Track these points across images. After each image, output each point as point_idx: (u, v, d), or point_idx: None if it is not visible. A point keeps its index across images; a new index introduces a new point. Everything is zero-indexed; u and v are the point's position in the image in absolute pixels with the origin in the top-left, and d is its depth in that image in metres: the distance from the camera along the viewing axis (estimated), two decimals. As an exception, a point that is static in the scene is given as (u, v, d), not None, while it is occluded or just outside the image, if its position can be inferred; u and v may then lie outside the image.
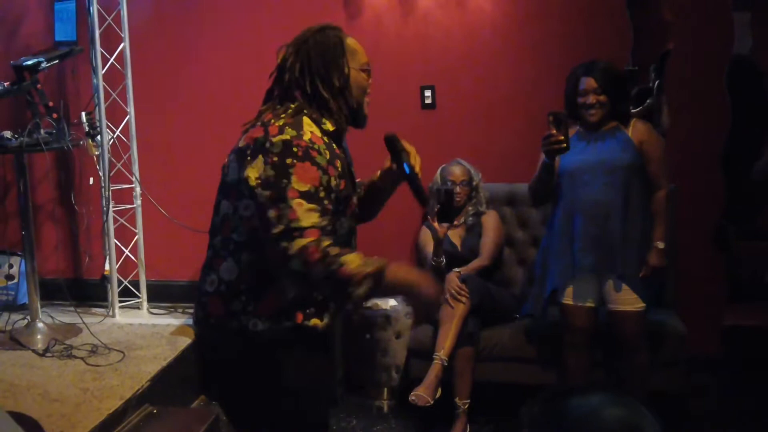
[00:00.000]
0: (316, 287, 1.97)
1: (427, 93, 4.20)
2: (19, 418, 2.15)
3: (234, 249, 2.01)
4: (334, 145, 2.02)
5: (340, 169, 2.00)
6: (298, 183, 1.88)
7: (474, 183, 3.85)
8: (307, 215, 1.87)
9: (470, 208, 3.86)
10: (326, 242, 1.87)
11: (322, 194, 1.92)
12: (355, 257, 1.89)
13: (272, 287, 1.99)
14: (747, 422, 3.46)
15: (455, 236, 3.83)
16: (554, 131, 2.96)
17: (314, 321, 2.04)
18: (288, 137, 1.92)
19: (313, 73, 2.03)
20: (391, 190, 2.24)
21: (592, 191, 3.18)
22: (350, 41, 2.10)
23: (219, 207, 2.06)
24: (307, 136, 1.94)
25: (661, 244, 3.18)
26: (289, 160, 1.89)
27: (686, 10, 3.88)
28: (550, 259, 3.32)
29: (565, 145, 2.97)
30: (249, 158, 1.94)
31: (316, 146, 1.94)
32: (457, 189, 3.76)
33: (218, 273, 2.03)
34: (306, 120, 1.98)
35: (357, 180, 2.19)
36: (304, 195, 1.88)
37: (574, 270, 3.22)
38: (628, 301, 3.18)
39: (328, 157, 1.96)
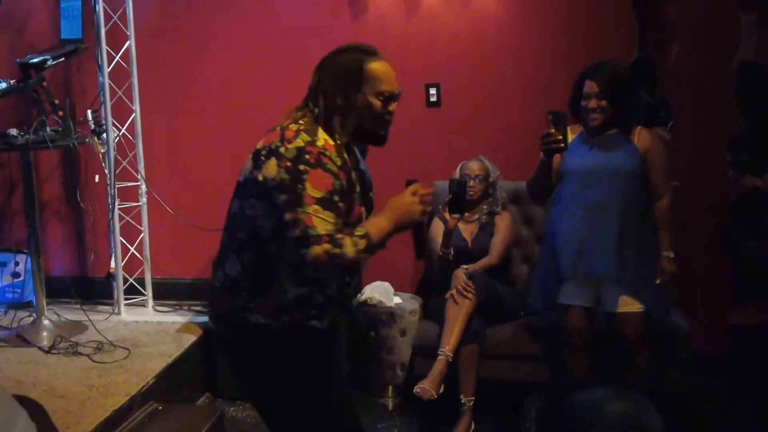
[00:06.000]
0: (330, 279, 2.10)
1: (432, 91, 4.19)
2: (23, 400, 2.16)
3: (238, 247, 2.09)
4: (345, 155, 2.07)
5: (346, 180, 2.05)
6: (313, 190, 1.96)
7: (491, 180, 3.85)
8: (321, 223, 1.95)
9: (485, 206, 3.85)
10: (335, 249, 1.94)
11: (336, 198, 1.99)
12: (349, 243, 1.96)
13: (272, 286, 2.06)
14: (754, 422, 3.44)
15: (467, 232, 3.83)
16: (553, 130, 2.97)
17: (314, 322, 2.12)
18: (302, 143, 2.00)
19: (319, 90, 2.11)
20: None
21: (593, 194, 3.17)
22: (374, 66, 2.10)
23: (231, 206, 2.14)
24: (320, 143, 2.02)
25: (671, 254, 3.18)
26: (302, 167, 1.97)
27: (691, 10, 3.87)
28: (549, 259, 3.32)
29: (563, 144, 2.99)
30: (263, 159, 2.02)
31: (327, 153, 2.01)
32: (471, 183, 3.76)
33: (224, 269, 2.11)
34: (320, 129, 2.06)
35: None
36: (319, 201, 1.96)
37: (570, 271, 3.20)
38: (626, 303, 3.16)
39: (339, 163, 2.03)
